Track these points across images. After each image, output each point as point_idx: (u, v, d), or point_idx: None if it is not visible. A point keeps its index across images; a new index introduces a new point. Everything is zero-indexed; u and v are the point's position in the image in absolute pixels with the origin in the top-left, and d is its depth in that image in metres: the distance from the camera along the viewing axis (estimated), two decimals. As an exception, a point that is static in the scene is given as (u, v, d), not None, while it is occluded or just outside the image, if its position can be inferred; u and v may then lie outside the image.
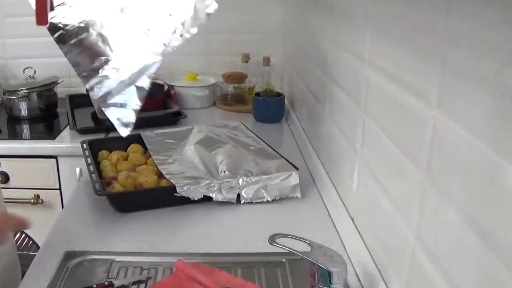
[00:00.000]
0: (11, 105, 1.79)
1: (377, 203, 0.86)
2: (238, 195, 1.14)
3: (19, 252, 1.17)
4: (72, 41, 0.86)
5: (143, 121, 1.68)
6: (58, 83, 1.89)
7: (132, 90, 0.85)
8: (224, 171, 1.19)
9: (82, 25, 0.86)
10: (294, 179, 1.17)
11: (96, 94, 0.87)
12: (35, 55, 1.98)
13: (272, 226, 1.03)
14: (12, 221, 0.82)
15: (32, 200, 1.60)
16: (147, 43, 0.85)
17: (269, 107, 1.77)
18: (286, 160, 1.25)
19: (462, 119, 0.56)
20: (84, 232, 1.04)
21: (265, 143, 1.39)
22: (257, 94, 1.80)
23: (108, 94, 0.86)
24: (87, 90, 0.90)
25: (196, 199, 1.10)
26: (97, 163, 1.28)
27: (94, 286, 0.83)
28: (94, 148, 1.34)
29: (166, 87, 1.87)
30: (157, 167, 1.22)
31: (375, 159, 0.88)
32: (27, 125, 1.78)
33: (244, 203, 1.14)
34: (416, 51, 0.69)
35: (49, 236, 1.00)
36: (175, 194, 1.09)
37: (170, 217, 1.08)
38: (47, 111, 1.83)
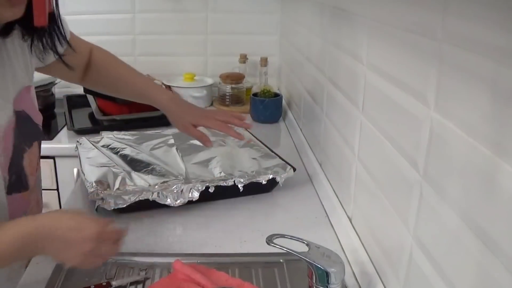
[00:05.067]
0: (8, 105, 1.79)
1: (374, 203, 0.86)
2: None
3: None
4: None
5: (140, 122, 1.70)
6: (56, 83, 1.88)
7: None
8: (220, 172, 1.19)
9: None
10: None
11: None
12: (33, 55, 1.98)
13: (270, 227, 1.04)
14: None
15: (29, 201, 1.59)
16: None
17: (267, 108, 1.77)
18: (284, 160, 1.25)
19: (459, 119, 0.57)
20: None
21: (263, 143, 1.38)
22: (255, 95, 1.80)
23: None
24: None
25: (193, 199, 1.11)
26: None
27: (92, 286, 0.83)
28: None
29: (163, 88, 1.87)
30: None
31: (372, 159, 0.89)
32: (25, 126, 1.77)
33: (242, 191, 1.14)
34: (413, 52, 0.69)
35: (46, 236, 1.00)
36: (172, 194, 1.09)
37: (167, 217, 1.08)
38: (44, 112, 1.79)
